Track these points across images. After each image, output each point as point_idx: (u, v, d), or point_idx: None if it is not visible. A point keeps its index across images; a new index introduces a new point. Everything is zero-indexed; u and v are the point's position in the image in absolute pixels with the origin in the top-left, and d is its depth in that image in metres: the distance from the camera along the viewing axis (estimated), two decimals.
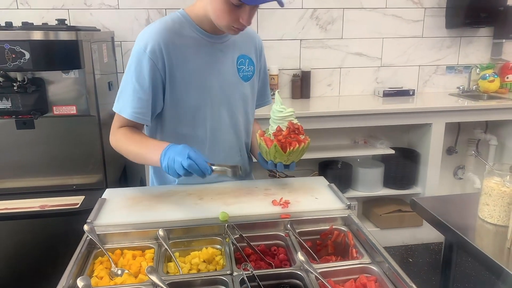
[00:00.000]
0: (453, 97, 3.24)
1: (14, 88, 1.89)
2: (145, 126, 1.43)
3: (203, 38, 1.36)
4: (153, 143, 1.31)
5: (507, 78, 3.38)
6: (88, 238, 1.11)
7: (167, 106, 1.36)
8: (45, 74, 1.98)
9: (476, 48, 3.39)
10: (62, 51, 1.90)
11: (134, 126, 1.37)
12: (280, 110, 1.34)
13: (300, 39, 3.15)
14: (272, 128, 1.35)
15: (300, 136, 1.35)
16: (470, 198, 1.47)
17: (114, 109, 1.36)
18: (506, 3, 3.18)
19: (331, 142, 3.21)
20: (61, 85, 2.02)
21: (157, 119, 1.41)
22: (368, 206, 3.30)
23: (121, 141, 1.35)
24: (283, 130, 1.33)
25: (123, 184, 2.70)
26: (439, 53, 3.36)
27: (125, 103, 1.32)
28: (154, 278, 0.93)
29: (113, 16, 2.85)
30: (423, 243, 3.18)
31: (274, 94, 1.40)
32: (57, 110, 2.02)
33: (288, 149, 1.31)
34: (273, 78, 3.08)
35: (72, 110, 2.03)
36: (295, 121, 1.36)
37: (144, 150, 1.30)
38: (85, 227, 1.12)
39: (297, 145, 1.32)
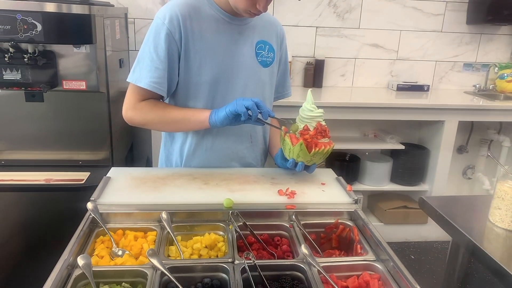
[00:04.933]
0: (468, 95, 3.17)
1: (25, 59, 1.86)
2: None
3: (222, 18, 1.35)
4: (193, 109, 1.36)
5: None
6: (90, 216, 1.10)
7: (180, 82, 1.35)
8: (56, 48, 1.95)
9: (496, 46, 3.30)
10: (74, 24, 1.87)
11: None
12: (311, 109, 1.32)
13: (316, 27, 3.09)
14: (299, 126, 1.33)
15: (325, 139, 1.32)
16: (480, 200, 1.43)
17: (129, 79, 1.34)
18: None
19: (340, 134, 3.17)
20: (71, 59, 1.99)
21: (170, 98, 1.40)
22: (374, 200, 3.27)
23: (150, 111, 1.34)
24: (310, 130, 1.31)
25: (129, 162, 2.70)
26: (458, 49, 3.28)
27: (142, 73, 1.31)
28: (154, 261, 0.92)
29: None
30: (426, 241, 3.16)
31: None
32: (66, 85, 2.00)
33: (313, 150, 1.29)
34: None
35: (82, 85, 2.01)
36: (323, 122, 1.34)
37: (187, 113, 1.35)
38: (88, 205, 1.11)
39: (323, 147, 1.29)
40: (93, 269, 0.89)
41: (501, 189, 1.20)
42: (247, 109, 1.23)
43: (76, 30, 1.88)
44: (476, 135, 3.35)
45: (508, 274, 1.04)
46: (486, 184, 3.26)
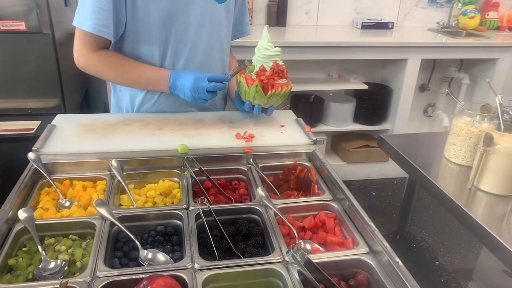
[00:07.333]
0: (431, 33, 3.15)
1: None
2: None
3: None
4: (152, 70, 1.29)
5: (488, 15, 3.29)
6: (32, 167, 1.03)
7: (128, 23, 1.24)
8: None
9: None
10: None
11: (100, 45, 1.26)
12: (267, 48, 1.25)
13: None
14: (256, 66, 1.26)
15: (283, 80, 1.26)
16: (438, 137, 1.45)
17: (73, 23, 1.22)
18: None
19: (305, 75, 3.11)
20: None
21: (120, 42, 1.28)
22: (337, 141, 3.31)
23: (104, 69, 1.29)
24: (266, 70, 1.24)
25: (85, 109, 2.57)
26: None
27: (85, 14, 1.19)
28: (102, 211, 0.88)
29: None
30: (387, 178, 3.27)
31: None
32: (3, 25, 1.81)
33: (269, 91, 1.23)
34: (247, 2, 2.87)
35: (21, 26, 1.83)
36: (281, 62, 1.27)
37: (145, 74, 1.29)
38: (30, 155, 1.04)
39: (280, 88, 1.23)
40: (36, 222, 0.85)
41: (456, 124, 1.20)
42: (209, 91, 1.22)
43: None
44: (437, 73, 3.38)
45: (459, 208, 1.07)
46: (445, 121, 3.35)
